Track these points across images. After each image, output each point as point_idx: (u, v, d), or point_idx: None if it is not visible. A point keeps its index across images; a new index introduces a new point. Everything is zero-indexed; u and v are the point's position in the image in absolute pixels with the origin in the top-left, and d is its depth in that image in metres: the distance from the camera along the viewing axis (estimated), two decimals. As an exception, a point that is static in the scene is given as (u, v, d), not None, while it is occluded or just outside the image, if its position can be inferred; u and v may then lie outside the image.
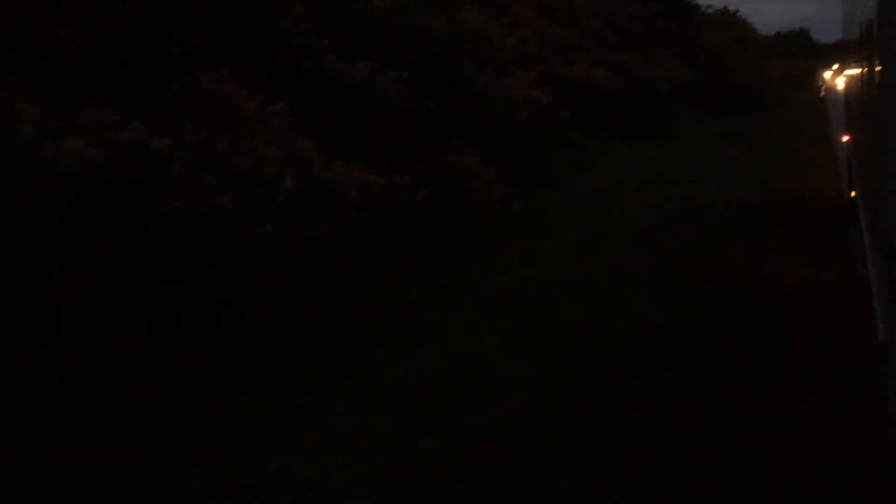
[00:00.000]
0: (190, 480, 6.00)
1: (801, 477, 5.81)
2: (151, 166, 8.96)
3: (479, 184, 13.68)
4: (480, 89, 15.53)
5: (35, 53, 9.39)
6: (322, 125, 11.91)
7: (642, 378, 7.65)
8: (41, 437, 6.61)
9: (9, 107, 7.94)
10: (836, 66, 44.54)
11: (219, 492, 5.86)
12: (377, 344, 8.68)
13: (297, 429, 6.80)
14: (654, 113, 25.95)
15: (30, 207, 7.56)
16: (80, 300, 7.83)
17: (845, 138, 15.76)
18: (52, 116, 8.38)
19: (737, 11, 51.78)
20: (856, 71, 11.34)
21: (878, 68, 5.70)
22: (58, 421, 6.84)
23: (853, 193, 12.34)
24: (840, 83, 24.69)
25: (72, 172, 7.87)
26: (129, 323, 8.17)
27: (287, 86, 11.76)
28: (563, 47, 24.13)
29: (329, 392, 7.52)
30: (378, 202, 11.40)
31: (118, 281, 8.29)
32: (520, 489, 5.84)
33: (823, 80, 50.35)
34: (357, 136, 12.41)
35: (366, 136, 12.59)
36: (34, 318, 7.50)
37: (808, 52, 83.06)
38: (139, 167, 8.90)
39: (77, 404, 7.11)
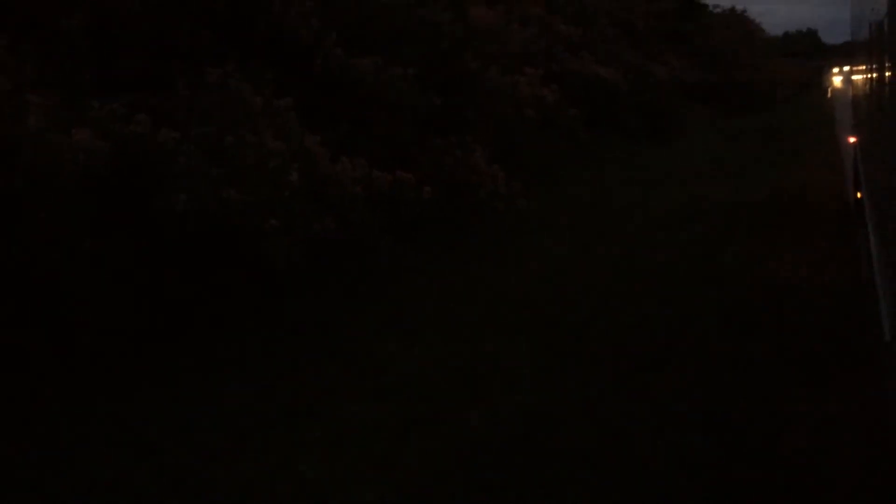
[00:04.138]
0: (191, 471, 6.02)
1: (802, 472, 5.80)
2: (158, 159, 8.98)
3: (485, 181, 13.68)
4: (487, 86, 15.52)
5: (43, 44, 9.41)
6: (328, 120, 11.92)
7: (648, 378, 7.64)
8: (49, 425, 6.63)
9: (17, 96, 7.96)
10: (843, 68, 44.35)
11: (219, 485, 5.87)
12: (382, 338, 8.69)
13: (299, 422, 6.81)
14: (662, 112, 25.90)
15: (38, 197, 7.58)
16: (87, 290, 7.85)
17: (852, 140, 15.71)
18: (60, 107, 8.40)
19: (744, 11, 51.76)
20: (863, 72, 11.32)
21: (887, 70, 5.68)
22: (65, 410, 6.86)
23: (859, 195, 12.31)
24: (847, 84, 24.64)
25: (79, 164, 7.90)
26: (135, 314, 8.19)
27: (294, 81, 11.77)
28: (571, 45, 24.08)
29: (332, 385, 7.53)
30: (383, 198, 11.41)
31: (125, 272, 8.31)
32: (520, 484, 5.84)
33: (831, 82, 50.24)
34: (363, 132, 12.42)
35: (371, 131, 12.60)
36: (42, 307, 7.53)
37: (815, 53, 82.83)
38: (146, 160, 8.93)
39: (83, 394, 7.14)
